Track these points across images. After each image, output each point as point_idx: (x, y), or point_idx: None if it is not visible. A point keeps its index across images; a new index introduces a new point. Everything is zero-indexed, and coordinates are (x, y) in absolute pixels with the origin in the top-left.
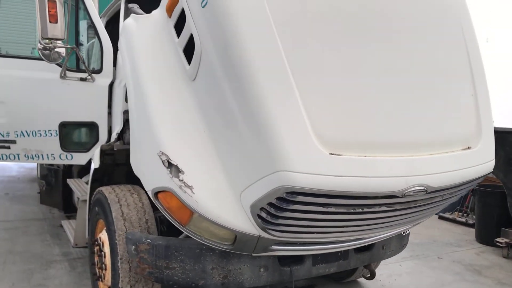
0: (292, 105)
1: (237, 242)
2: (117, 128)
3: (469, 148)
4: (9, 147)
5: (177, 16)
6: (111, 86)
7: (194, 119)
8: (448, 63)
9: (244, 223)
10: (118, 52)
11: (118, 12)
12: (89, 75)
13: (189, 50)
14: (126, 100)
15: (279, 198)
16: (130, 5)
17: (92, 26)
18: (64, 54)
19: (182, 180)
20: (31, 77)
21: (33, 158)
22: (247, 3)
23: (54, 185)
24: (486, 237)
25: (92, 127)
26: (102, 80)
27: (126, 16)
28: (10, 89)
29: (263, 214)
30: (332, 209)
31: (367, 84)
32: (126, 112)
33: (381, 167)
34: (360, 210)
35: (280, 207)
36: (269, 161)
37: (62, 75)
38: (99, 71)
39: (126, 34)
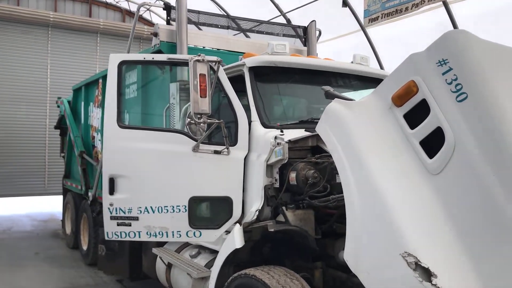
0: None
1: None
2: (256, 204)
3: None
4: (130, 224)
5: (412, 106)
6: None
7: (437, 216)
8: None
9: None
10: (252, 124)
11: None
12: (226, 148)
13: (427, 142)
14: (267, 175)
15: None
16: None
17: (227, 99)
18: (206, 128)
19: (435, 284)
20: (159, 150)
21: (155, 236)
22: None
23: (117, 251)
24: None
25: (225, 202)
26: (237, 152)
27: (254, 88)
28: (136, 162)
29: None
30: None
31: None
32: (266, 188)
33: None
34: None
35: None
36: None
37: (195, 147)
38: (234, 143)
39: (335, 119)
